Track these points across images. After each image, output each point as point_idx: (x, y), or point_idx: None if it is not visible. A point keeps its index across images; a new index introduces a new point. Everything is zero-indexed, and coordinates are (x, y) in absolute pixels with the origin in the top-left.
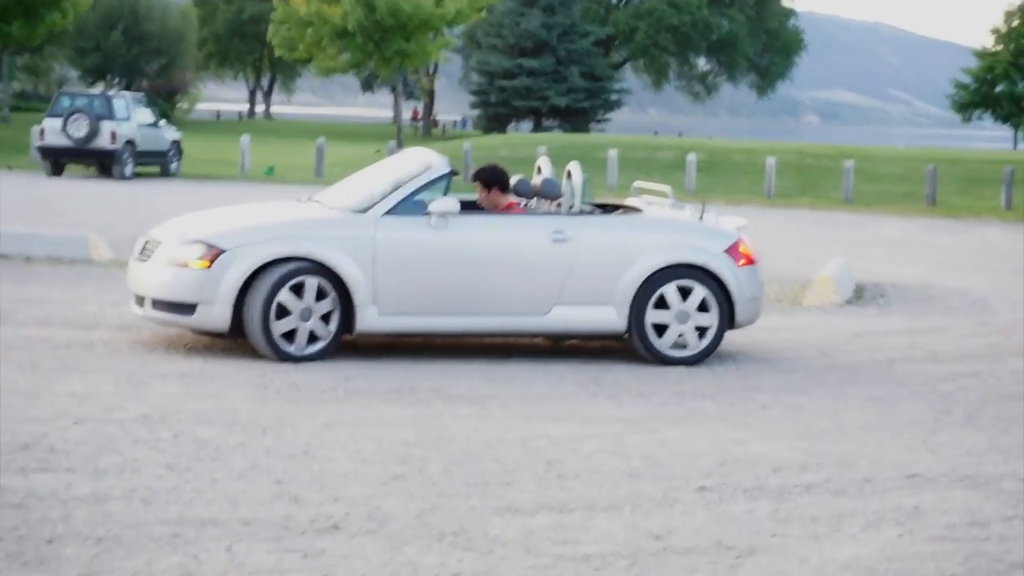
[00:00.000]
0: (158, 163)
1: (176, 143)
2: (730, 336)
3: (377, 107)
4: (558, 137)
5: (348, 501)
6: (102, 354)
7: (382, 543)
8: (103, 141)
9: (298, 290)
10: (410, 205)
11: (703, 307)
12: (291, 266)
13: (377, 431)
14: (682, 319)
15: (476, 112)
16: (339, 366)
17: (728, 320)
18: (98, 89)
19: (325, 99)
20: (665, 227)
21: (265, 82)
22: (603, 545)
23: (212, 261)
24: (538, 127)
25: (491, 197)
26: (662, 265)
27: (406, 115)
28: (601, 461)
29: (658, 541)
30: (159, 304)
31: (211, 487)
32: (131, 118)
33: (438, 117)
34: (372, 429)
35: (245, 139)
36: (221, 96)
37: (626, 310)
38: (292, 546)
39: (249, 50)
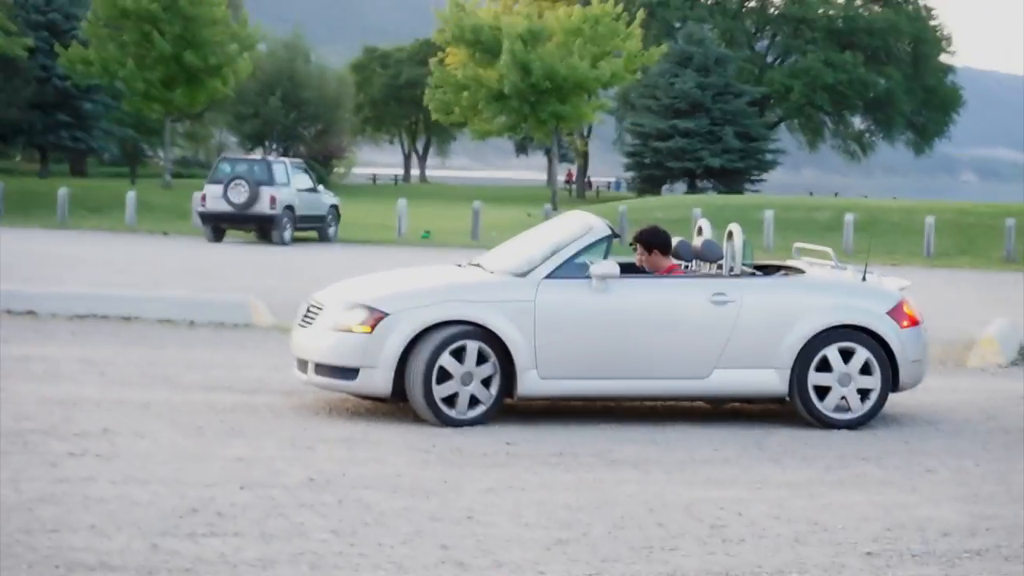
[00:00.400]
0: (316, 228)
1: (334, 207)
2: (893, 398)
3: (531, 169)
4: (713, 198)
5: (512, 566)
6: (266, 418)
7: None
8: (263, 206)
9: (459, 354)
10: (571, 268)
11: (866, 369)
12: (452, 330)
13: (540, 495)
14: (844, 382)
15: (630, 174)
16: (500, 430)
17: (891, 382)
18: (257, 155)
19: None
20: (827, 288)
21: (420, 146)
22: None
23: (374, 326)
24: (692, 188)
25: (652, 259)
26: (825, 327)
27: (560, 177)
28: (766, 525)
29: None
30: (322, 369)
31: (377, 552)
32: (290, 183)
33: (592, 179)
34: (535, 493)
35: (402, 203)
36: (377, 160)
37: (788, 373)
38: None
39: (405, 114)
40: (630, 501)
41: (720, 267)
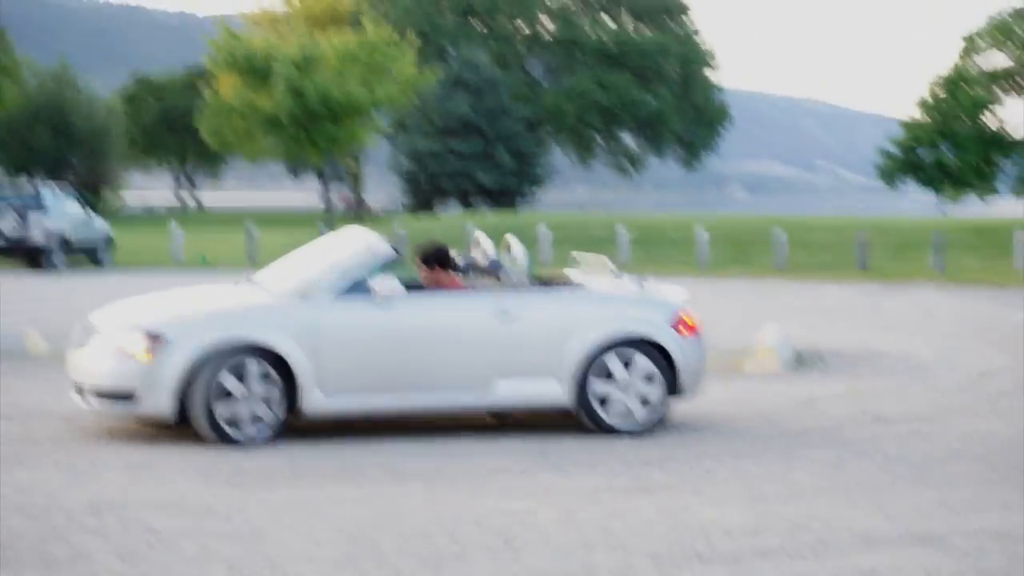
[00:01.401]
0: (89, 255)
1: (107, 234)
2: (674, 406)
3: (304, 191)
4: (488, 216)
5: None
6: (45, 445)
7: None
8: (33, 235)
9: (240, 374)
10: (353, 287)
11: (648, 378)
12: (234, 351)
13: (327, 511)
14: (626, 389)
15: (405, 195)
16: (285, 449)
17: (673, 390)
18: (23, 183)
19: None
20: (609, 300)
21: (190, 170)
22: None
23: (155, 351)
24: (466, 207)
25: (434, 275)
26: (606, 337)
27: (335, 199)
28: (554, 533)
29: None
30: (102, 394)
31: (164, 573)
32: (61, 210)
33: (367, 201)
34: (322, 510)
35: (175, 226)
36: (147, 185)
37: (571, 383)
38: None
39: (177, 141)
40: (418, 514)
41: (500, 279)
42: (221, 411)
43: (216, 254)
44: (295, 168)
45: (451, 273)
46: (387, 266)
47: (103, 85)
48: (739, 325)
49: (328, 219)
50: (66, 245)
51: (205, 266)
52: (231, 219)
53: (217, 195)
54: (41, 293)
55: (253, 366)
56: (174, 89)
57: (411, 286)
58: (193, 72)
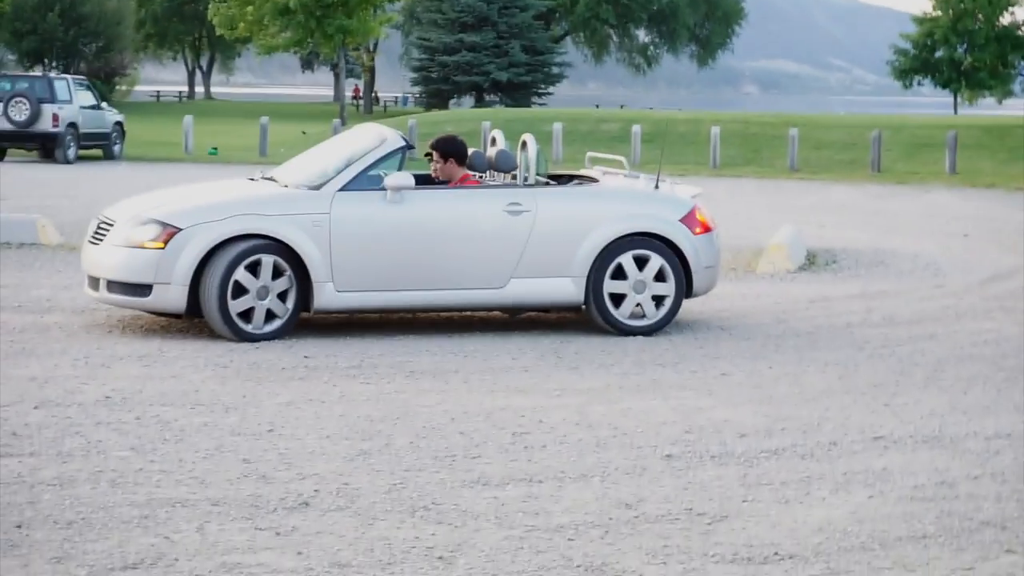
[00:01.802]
0: (101, 146)
1: (119, 125)
2: (687, 305)
3: (317, 86)
4: (502, 112)
5: (316, 478)
6: (58, 337)
7: (353, 519)
8: (45, 124)
9: (254, 268)
10: (365, 180)
11: (660, 276)
12: (247, 244)
13: (340, 408)
14: (639, 289)
15: (417, 89)
16: (298, 344)
17: (685, 289)
18: (37, 72)
19: (265, 79)
20: (621, 197)
21: (204, 62)
22: (575, 515)
23: (167, 241)
24: (480, 102)
25: (447, 168)
26: (619, 235)
27: (348, 93)
28: (567, 432)
29: (629, 509)
30: (114, 286)
31: (178, 468)
32: (73, 100)
33: (379, 94)
34: (335, 406)
35: (188, 120)
36: (160, 78)
37: (583, 281)
38: (264, 524)
39: (188, 30)
40: (431, 411)
41: (515, 177)
42: (234, 305)
43: (227, 147)
44: (308, 61)
45: (465, 169)
46: (401, 160)
47: None
48: (752, 224)
49: (340, 112)
50: (78, 135)
51: (216, 157)
52: (243, 110)
53: (230, 89)
54: (52, 183)
55: (266, 259)
56: None
57: (424, 180)
58: None
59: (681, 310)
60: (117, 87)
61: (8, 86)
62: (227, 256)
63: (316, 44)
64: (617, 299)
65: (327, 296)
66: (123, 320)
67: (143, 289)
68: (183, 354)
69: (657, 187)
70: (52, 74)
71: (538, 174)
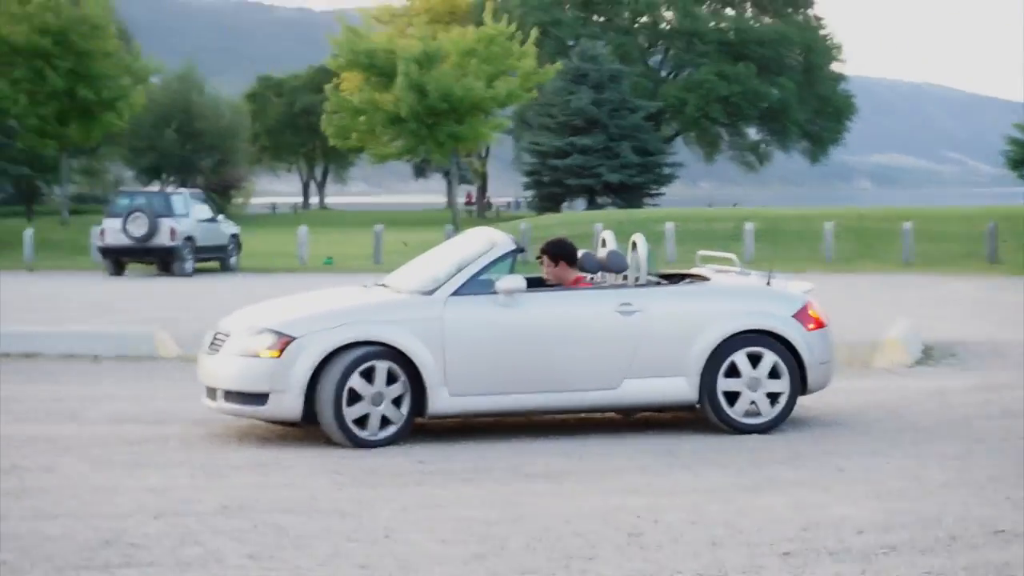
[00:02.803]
0: (218, 258)
1: (235, 237)
2: (802, 401)
3: (430, 193)
4: (614, 213)
5: None
6: (176, 448)
7: None
8: (163, 238)
9: (369, 375)
10: (477, 284)
11: (774, 373)
12: (361, 351)
13: (456, 511)
14: (753, 386)
15: (530, 193)
16: (412, 449)
17: (800, 385)
18: (155, 188)
19: (378, 187)
20: (733, 294)
21: (318, 173)
22: None
23: (283, 350)
24: (592, 204)
25: (558, 271)
26: (732, 332)
27: (460, 199)
28: (683, 531)
29: None
30: (231, 395)
31: (295, 574)
32: (189, 214)
33: (492, 199)
34: (451, 510)
35: (303, 230)
36: (275, 190)
37: (697, 379)
38: None
39: (301, 142)
40: (546, 513)
41: (626, 278)
42: (349, 412)
43: (342, 256)
44: (421, 168)
45: (576, 271)
46: (512, 263)
47: (228, 86)
48: (867, 319)
49: (453, 218)
50: (195, 248)
51: (331, 267)
52: (358, 219)
53: (344, 199)
54: (170, 295)
55: (380, 365)
56: (298, 88)
57: (536, 283)
58: (317, 72)
59: (797, 407)
60: (233, 199)
61: (127, 202)
62: (342, 363)
63: (428, 151)
64: (731, 397)
65: (441, 401)
66: (240, 429)
67: (259, 398)
68: (299, 461)
69: (769, 283)
70: (169, 189)
71: (649, 274)
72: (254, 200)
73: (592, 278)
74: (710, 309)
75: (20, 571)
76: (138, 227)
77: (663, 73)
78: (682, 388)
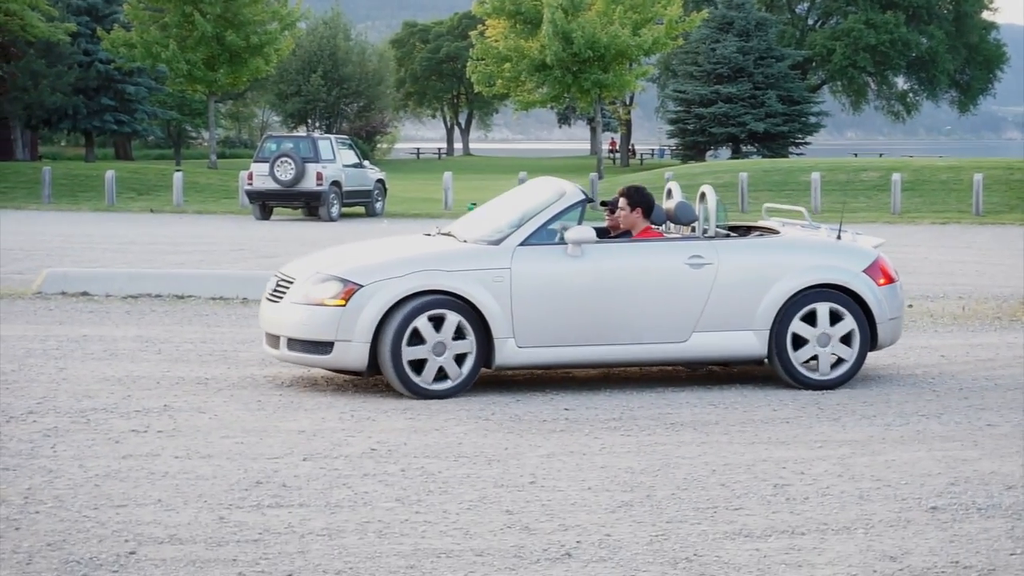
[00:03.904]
0: (363, 203)
1: (380, 182)
2: (951, 354)
3: (573, 140)
4: (759, 162)
5: (579, 529)
6: (325, 391)
7: (616, 570)
8: (310, 183)
9: (437, 322)
10: (545, 234)
11: (844, 328)
12: (428, 299)
13: (601, 460)
14: (823, 342)
15: (673, 141)
16: (559, 397)
17: (869, 341)
18: (301, 132)
19: (522, 134)
20: (804, 248)
21: (462, 119)
22: (838, 567)
23: (348, 298)
24: (736, 153)
25: (632, 218)
26: (802, 287)
27: (604, 146)
28: (829, 483)
29: (894, 562)
30: (295, 343)
31: (442, 519)
32: (336, 159)
33: (635, 147)
34: (596, 458)
35: (447, 176)
36: (419, 135)
37: (766, 334)
38: (526, 574)
39: (446, 88)
40: (691, 463)
41: (694, 229)
42: (408, 352)
43: (486, 201)
44: (565, 115)
45: (648, 222)
46: (580, 213)
47: (374, 32)
48: (1017, 273)
49: (597, 166)
50: (341, 193)
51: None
52: (501, 165)
53: (488, 145)
54: (317, 240)
55: (450, 316)
56: (443, 35)
57: (602, 235)
58: (462, 18)
59: (946, 360)
60: (378, 145)
61: (274, 147)
62: (407, 310)
63: (573, 99)
64: (800, 352)
65: (508, 352)
66: None
67: (324, 347)
68: (445, 407)
69: (839, 238)
70: (316, 134)
71: (718, 226)
72: (398, 146)
73: (660, 230)
74: (780, 263)
75: (174, 509)
76: (285, 172)
77: (810, 21)
78: (751, 342)
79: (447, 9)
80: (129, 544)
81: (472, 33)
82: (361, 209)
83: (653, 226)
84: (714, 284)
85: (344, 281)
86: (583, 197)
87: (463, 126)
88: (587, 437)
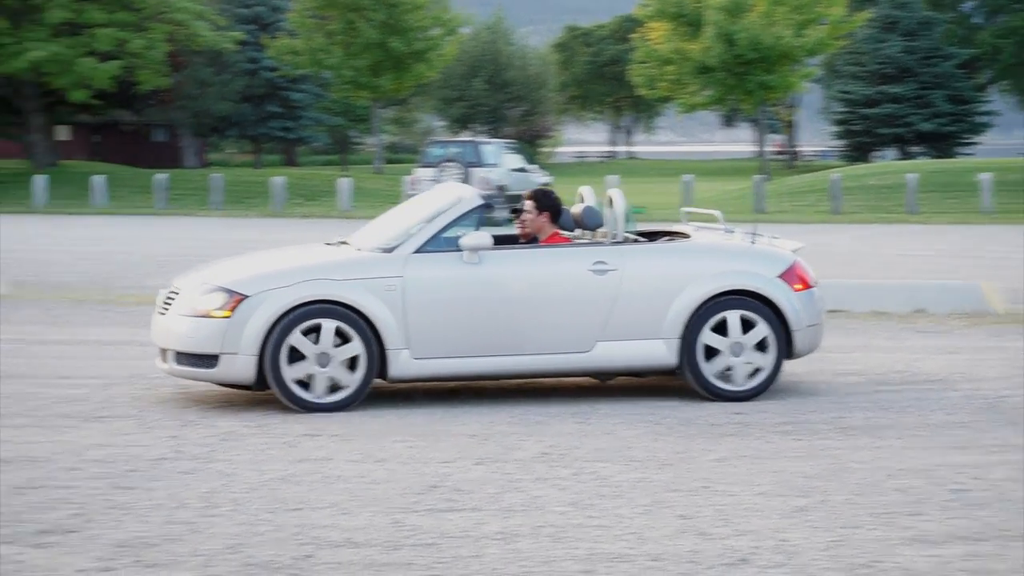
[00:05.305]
0: None
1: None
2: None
3: (737, 142)
4: (926, 163)
5: (754, 534)
6: (495, 396)
7: None
8: (475, 187)
9: (314, 334)
10: (441, 242)
11: (757, 337)
12: (316, 308)
13: (774, 464)
14: (736, 351)
15: (839, 142)
16: (728, 402)
17: (786, 349)
18: (464, 137)
19: (685, 136)
20: (715, 253)
21: (625, 122)
22: (1021, 575)
23: (234, 309)
24: (903, 154)
25: (539, 222)
26: (713, 293)
27: (769, 148)
28: (1009, 489)
29: None
30: (181, 357)
31: (616, 523)
32: (500, 164)
33: (799, 148)
34: (769, 462)
35: (613, 179)
36: (582, 139)
37: (676, 343)
38: None
39: (608, 91)
40: (866, 467)
41: (603, 234)
42: (293, 374)
43: (651, 205)
44: (728, 117)
45: (556, 227)
46: (478, 219)
47: (535, 36)
48: None
49: (762, 167)
50: (506, 197)
51: (642, 216)
52: (666, 168)
53: (650, 148)
54: None
55: (328, 324)
56: (605, 38)
57: (509, 242)
58: (624, 21)
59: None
60: (541, 149)
61: (440, 151)
62: (292, 321)
63: (736, 101)
64: (711, 361)
65: (403, 364)
66: (556, 379)
67: (210, 360)
68: (616, 411)
69: (753, 242)
70: (480, 139)
71: (627, 231)
72: (561, 149)
73: (570, 236)
74: (690, 269)
75: (349, 512)
76: (450, 176)
77: (977, 20)
78: (660, 351)
79: (608, 12)
80: (306, 548)
81: (634, 36)
82: None
83: (562, 232)
84: (619, 291)
85: (230, 292)
86: (480, 203)
87: (626, 129)
88: (759, 441)
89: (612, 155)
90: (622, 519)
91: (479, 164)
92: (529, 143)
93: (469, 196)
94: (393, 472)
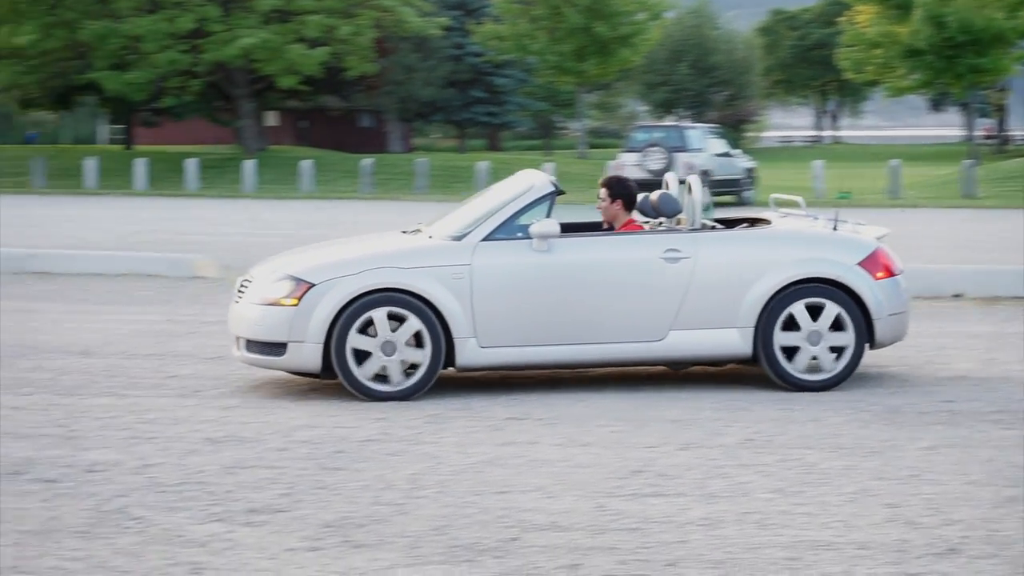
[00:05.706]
0: (732, 191)
1: (749, 171)
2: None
3: (945, 127)
4: None
5: (964, 524)
6: (700, 380)
7: (1003, 567)
8: (679, 171)
9: (394, 322)
10: (511, 229)
11: (837, 325)
12: (381, 296)
13: (984, 453)
14: (814, 340)
15: None
16: (939, 390)
17: (866, 338)
18: (670, 122)
19: (891, 121)
20: (793, 240)
21: (831, 107)
22: None
23: (301, 297)
24: None
25: (613, 209)
26: (789, 281)
27: (979, 132)
28: None
29: None
30: (251, 345)
31: (823, 511)
32: (705, 148)
33: (1010, 133)
34: (979, 451)
35: (818, 164)
36: (787, 123)
37: (750, 332)
38: (910, 570)
39: (815, 76)
40: None
41: (680, 221)
42: (360, 362)
43: (857, 190)
44: (936, 101)
45: (631, 215)
46: (549, 206)
47: (740, 20)
48: None
49: (971, 152)
50: (710, 182)
51: (846, 202)
52: (871, 153)
53: (856, 132)
54: None
55: (402, 314)
56: (811, 22)
57: (593, 228)
58: (830, 5)
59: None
60: (745, 133)
61: (644, 136)
62: (360, 309)
63: (945, 85)
64: (790, 351)
65: (470, 352)
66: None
67: (278, 348)
68: (820, 398)
69: (835, 228)
70: (685, 123)
71: (706, 217)
72: (766, 134)
73: (648, 223)
74: (766, 256)
75: (554, 496)
76: (655, 161)
77: None
78: (734, 341)
79: None
80: (512, 530)
81: (841, 19)
82: (731, 197)
83: (639, 218)
84: (692, 279)
85: (297, 280)
86: (551, 190)
87: (832, 114)
88: (969, 430)
89: (817, 140)
90: (828, 507)
91: (683, 149)
92: (733, 128)
93: (540, 183)
94: (597, 456)
